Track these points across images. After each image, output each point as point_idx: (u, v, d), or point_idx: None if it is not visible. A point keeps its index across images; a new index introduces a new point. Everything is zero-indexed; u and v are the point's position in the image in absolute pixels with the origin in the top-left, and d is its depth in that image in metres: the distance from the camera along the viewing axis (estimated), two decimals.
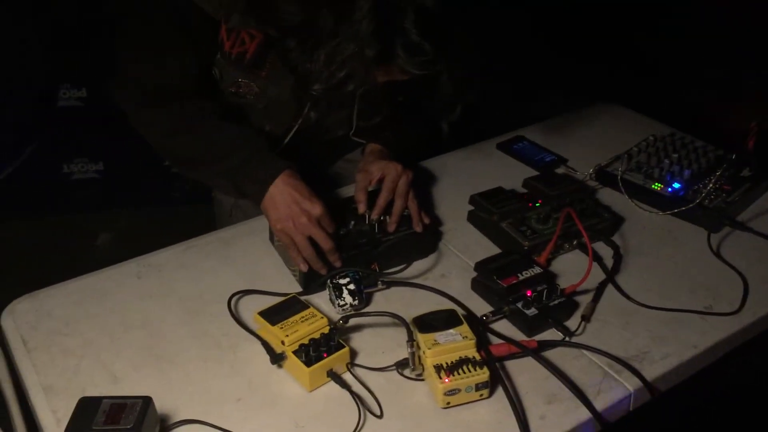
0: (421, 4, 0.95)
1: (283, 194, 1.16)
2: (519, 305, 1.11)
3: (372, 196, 1.26)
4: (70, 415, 0.87)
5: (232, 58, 1.22)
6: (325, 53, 1.01)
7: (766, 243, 1.31)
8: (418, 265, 1.25)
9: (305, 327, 1.03)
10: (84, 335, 1.09)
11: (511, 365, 1.05)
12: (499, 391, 0.99)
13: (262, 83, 1.27)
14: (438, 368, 0.97)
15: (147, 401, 0.88)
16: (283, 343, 1.02)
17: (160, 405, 0.94)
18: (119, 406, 0.87)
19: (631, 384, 1.02)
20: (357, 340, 1.09)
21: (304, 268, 1.16)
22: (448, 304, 1.12)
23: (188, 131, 1.23)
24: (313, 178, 1.21)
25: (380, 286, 1.18)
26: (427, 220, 1.27)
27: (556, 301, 1.12)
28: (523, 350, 1.04)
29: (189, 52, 1.20)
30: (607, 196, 1.45)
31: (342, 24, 0.98)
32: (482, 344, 1.03)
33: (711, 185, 1.37)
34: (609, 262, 1.25)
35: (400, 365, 1.03)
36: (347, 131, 1.37)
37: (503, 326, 1.12)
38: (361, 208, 1.25)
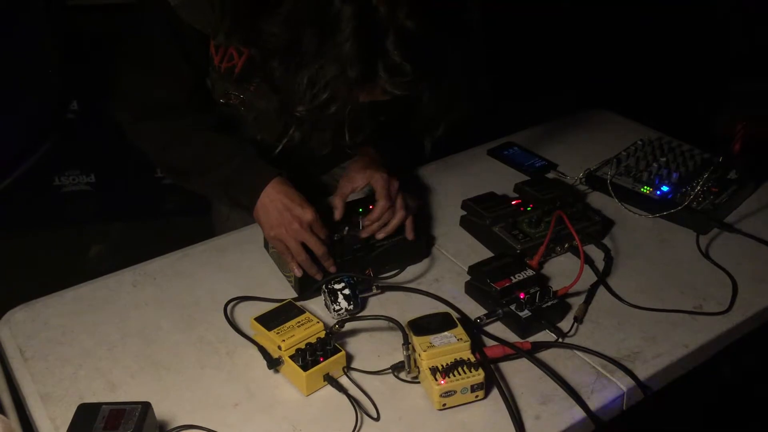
0: (402, 26, 0.95)
1: (275, 201, 1.17)
2: (512, 307, 1.12)
3: (355, 204, 1.28)
4: (68, 423, 0.87)
5: (221, 73, 1.24)
6: (308, 75, 1.01)
7: (753, 243, 1.33)
8: (412, 270, 1.27)
9: (301, 332, 1.04)
10: (81, 343, 1.10)
11: (506, 366, 1.06)
12: (494, 393, 1.00)
13: (251, 96, 1.28)
14: (434, 370, 0.98)
15: (146, 406, 0.89)
16: (279, 348, 1.02)
17: (159, 411, 0.94)
18: (118, 412, 0.88)
19: (623, 383, 1.03)
20: (353, 344, 1.10)
21: (298, 273, 1.17)
22: (443, 308, 1.14)
23: (181, 143, 1.25)
24: (308, 184, 1.22)
25: (375, 291, 1.19)
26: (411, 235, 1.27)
27: (548, 303, 1.13)
28: (517, 352, 1.06)
29: (183, 67, 1.21)
30: (597, 199, 1.47)
31: (325, 46, 0.98)
32: (477, 346, 1.04)
33: (699, 188, 1.39)
34: (600, 265, 1.27)
35: (396, 368, 1.03)
36: (331, 151, 1.39)
37: (497, 328, 1.13)
38: (338, 214, 1.25)
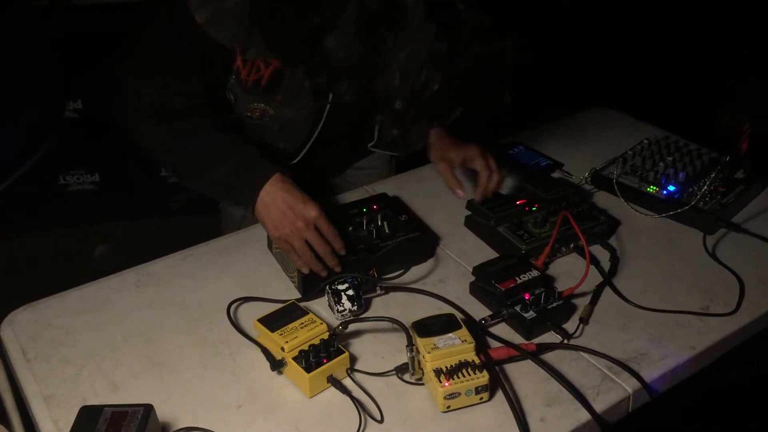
0: None
1: (276, 200, 1.17)
2: (517, 308, 1.11)
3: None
4: (71, 425, 0.87)
5: (248, 86, 1.23)
6: (399, 70, 1.01)
7: (761, 244, 1.32)
8: (416, 270, 1.26)
9: (305, 333, 1.04)
10: (84, 345, 1.10)
11: (511, 368, 1.05)
12: (499, 395, 1.00)
13: (278, 106, 1.27)
14: (438, 372, 0.98)
15: (148, 409, 0.89)
16: (282, 349, 1.02)
17: (161, 413, 0.94)
18: (120, 414, 0.87)
19: (629, 385, 1.03)
20: (356, 345, 1.09)
21: (306, 271, 1.16)
22: (447, 309, 1.13)
23: (184, 143, 1.24)
24: (322, 185, 1.20)
25: (379, 292, 1.19)
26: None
27: (554, 304, 1.12)
28: (522, 353, 1.05)
29: (197, 79, 1.21)
30: (603, 199, 1.46)
31: (402, 38, 0.98)
32: (481, 348, 1.04)
33: (705, 187, 1.37)
34: (606, 265, 1.26)
35: (400, 370, 1.03)
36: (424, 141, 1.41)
37: (502, 330, 1.12)
38: (460, 192, 1.33)
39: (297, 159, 1.38)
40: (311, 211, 1.15)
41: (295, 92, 1.25)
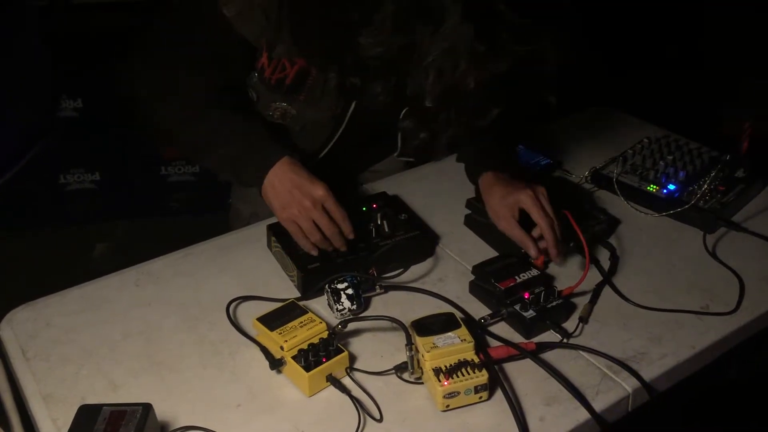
0: None
1: (283, 181, 1.16)
2: (517, 308, 1.11)
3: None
4: (70, 424, 0.87)
5: (272, 84, 1.23)
6: (432, 69, 0.98)
7: (761, 243, 1.32)
8: (415, 269, 1.26)
9: (304, 332, 1.04)
10: (83, 343, 1.10)
11: (510, 367, 1.05)
12: (498, 394, 1.00)
13: (300, 106, 1.27)
14: (437, 371, 0.97)
15: (147, 408, 0.89)
16: (282, 348, 1.02)
17: (160, 412, 0.94)
18: (119, 414, 0.87)
19: (629, 385, 1.02)
20: (356, 344, 1.09)
21: (315, 253, 1.17)
22: (447, 308, 1.13)
23: (196, 120, 1.23)
24: (336, 186, 1.20)
25: (378, 291, 1.19)
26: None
27: (553, 303, 1.12)
28: (521, 352, 1.05)
29: (217, 70, 1.21)
30: (603, 198, 1.46)
31: (436, 36, 0.95)
32: (481, 347, 1.03)
33: (706, 186, 1.37)
34: (606, 264, 1.26)
35: (399, 369, 1.03)
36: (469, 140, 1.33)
37: (501, 329, 1.12)
38: (533, 251, 1.21)
39: (316, 160, 1.37)
40: (318, 190, 1.15)
41: (319, 93, 1.24)
